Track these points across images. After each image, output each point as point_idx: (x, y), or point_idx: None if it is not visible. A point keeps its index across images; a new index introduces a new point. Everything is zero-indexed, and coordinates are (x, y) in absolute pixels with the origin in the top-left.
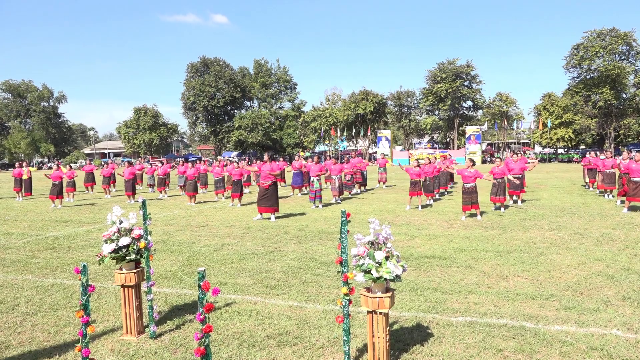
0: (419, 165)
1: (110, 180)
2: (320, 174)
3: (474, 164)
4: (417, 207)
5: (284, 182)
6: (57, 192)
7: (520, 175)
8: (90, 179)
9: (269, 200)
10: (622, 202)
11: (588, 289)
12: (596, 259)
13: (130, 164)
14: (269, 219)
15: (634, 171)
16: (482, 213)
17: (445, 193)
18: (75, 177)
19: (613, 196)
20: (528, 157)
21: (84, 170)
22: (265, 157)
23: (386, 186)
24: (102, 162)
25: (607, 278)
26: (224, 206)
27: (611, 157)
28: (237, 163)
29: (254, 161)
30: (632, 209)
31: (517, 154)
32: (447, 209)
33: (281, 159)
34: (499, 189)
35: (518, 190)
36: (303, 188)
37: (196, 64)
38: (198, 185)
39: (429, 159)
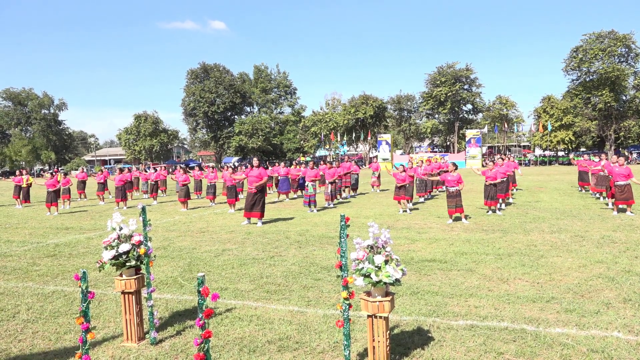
0: (404, 170)
1: (104, 187)
2: (316, 180)
3: (456, 168)
4: (406, 211)
5: (273, 186)
6: (51, 199)
7: (498, 181)
8: (82, 187)
9: (256, 205)
10: (613, 204)
11: (589, 292)
12: (597, 262)
13: (121, 170)
14: (256, 224)
15: (617, 175)
16: (466, 217)
17: (429, 197)
18: (70, 185)
19: (603, 198)
20: (506, 160)
21: (77, 178)
22: (255, 162)
23: (380, 190)
24: (102, 169)
25: (608, 280)
26: (224, 212)
27: (605, 159)
28: (232, 169)
29: (240, 168)
30: (621, 210)
31: (501, 159)
32: (446, 212)
33: (277, 164)
34: (492, 192)
35: (502, 194)
36: (292, 193)
37: (196, 70)
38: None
39: (412, 163)
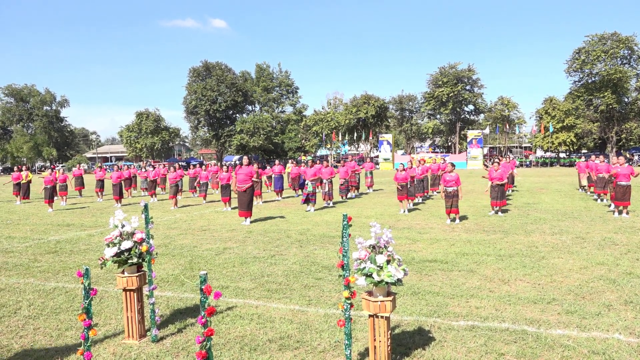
0: (404, 170)
1: (102, 184)
2: (315, 178)
3: (454, 167)
4: (404, 211)
5: (270, 185)
6: (50, 195)
7: (505, 181)
8: (79, 183)
9: (243, 204)
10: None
11: (590, 293)
12: (598, 263)
13: (118, 168)
14: (244, 222)
15: (620, 175)
16: (461, 218)
17: (427, 196)
18: (68, 182)
19: (602, 200)
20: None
21: (73, 175)
22: (244, 160)
23: (372, 190)
24: (101, 166)
25: (609, 282)
26: (225, 210)
27: (603, 161)
28: (226, 168)
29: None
30: (621, 212)
31: (498, 161)
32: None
33: (276, 163)
34: (498, 193)
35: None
36: (293, 192)
37: (198, 68)
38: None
39: (411, 163)
